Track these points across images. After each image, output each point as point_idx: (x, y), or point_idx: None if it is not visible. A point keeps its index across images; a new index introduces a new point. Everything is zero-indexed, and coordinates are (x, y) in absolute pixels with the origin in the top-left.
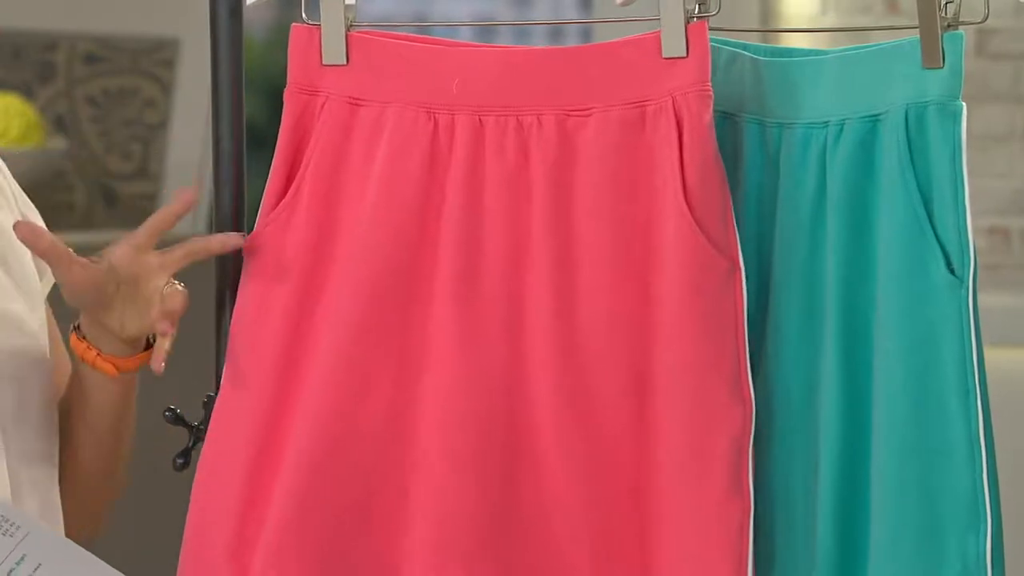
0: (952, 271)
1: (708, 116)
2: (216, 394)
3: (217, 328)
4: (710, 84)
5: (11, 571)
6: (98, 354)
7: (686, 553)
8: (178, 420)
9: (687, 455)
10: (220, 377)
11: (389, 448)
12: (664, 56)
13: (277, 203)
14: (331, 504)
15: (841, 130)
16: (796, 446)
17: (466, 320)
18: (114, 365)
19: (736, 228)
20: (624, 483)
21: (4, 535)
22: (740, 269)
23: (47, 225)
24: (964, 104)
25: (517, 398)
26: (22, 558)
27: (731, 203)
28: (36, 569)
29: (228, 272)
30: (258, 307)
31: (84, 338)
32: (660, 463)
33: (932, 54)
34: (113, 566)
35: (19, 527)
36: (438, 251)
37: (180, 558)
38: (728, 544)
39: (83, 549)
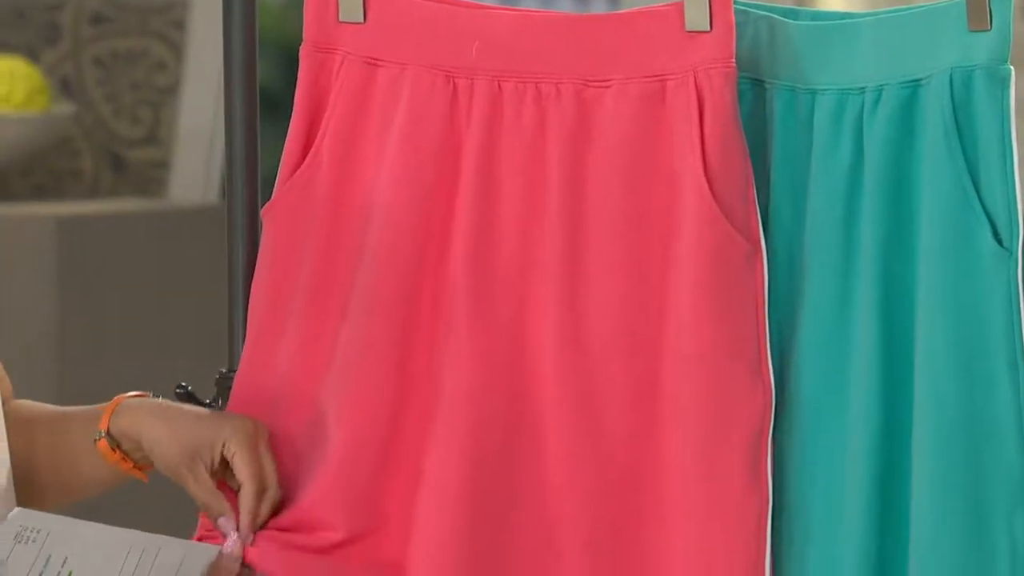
0: (1000, 241)
1: (731, 94)
2: (228, 371)
3: (230, 305)
4: (734, 61)
5: (40, 574)
6: (134, 465)
7: (701, 547)
8: (190, 398)
9: (703, 443)
10: (233, 354)
11: (403, 425)
12: (687, 29)
13: (296, 167)
14: (355, 473)
15: (879, 96)
16: (832, 431)
17: (478, 292)
18: (143, 469)
19: (757, 208)
20: (634, 470)
21: (26, 543)
22: (761, 251)
23: (54, 194)
24: (1012, 68)
25: (524, 376)
26: (48, 559)
27: (753, 182)
28: (64, 563)
29: (241, 246)
30: (279, 274)
31: (118, 448)
32: (674, 451)
33: (979, 15)
34: None
35: (39, 530)
36: (454, 219)
37: None
38: (745, 538)
39: (104, 525)
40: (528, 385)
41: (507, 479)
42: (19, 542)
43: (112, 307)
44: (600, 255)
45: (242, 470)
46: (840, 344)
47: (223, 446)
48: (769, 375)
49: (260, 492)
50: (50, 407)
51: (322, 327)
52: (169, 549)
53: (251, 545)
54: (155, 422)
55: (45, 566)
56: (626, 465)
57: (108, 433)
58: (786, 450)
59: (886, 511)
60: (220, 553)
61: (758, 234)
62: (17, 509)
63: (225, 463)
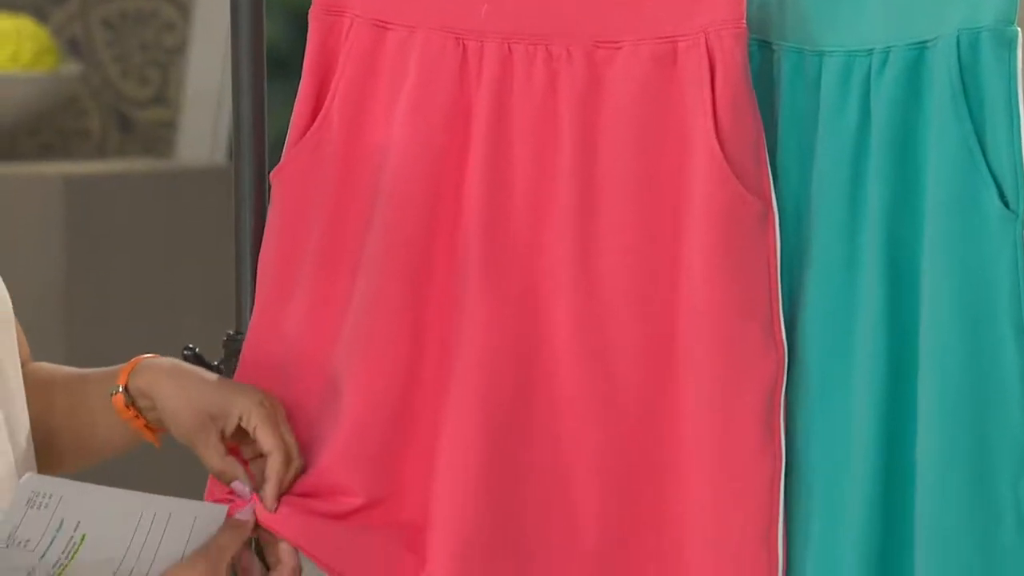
0: (1006, 203)
1: (742, 55)
2: (236, 333)
3: (237, 266)
4: (745, 21)
5: (53, 539)
6: (146, 424)
7: (714, 503)
8: (197, 359)
9: (716, 402)
10: (240, 316)
11: (417, 388)
12: None
13: (305, 130)
14: (368, 439)
15: (886, 58)
16: (837, 393)
17: (491, 254)
18: (155, 432)
19: (770, 168)
20: (647, 432)
21: (38, 509)
22: (773, 211)
23: (61, 154)
24: (1020, 30)
25: (537, 337)
26: (60, 524)
27: (764, 143)
28: (76, 528)
29: (248, 207)
30: (288, 238)
31: (132, 405)
32: (687, 412)
33: None
34: None
35: (50, 495)
36: (464, 182)
37: None
38: (758, 497)
39: (116, 488)
40: (542, 346)
41: (523, 438)
42: (31, 507)
43: (119, 267)
44: (612, 217)
45: (267, 441)
46: (846, 305)
47: (241, 418)
48: (782, 335)
49: (287, 461)
50: (68, 369)
51: (332, 291)
52: (181, 511)
53: (274, 512)
54: (171, 382)
55: (58, 531)
56: (640, 425)
57: (126, 389)
58: (793, 410)
59: (891, 474)
60: (232, 516)
61: (770, 195)
62: (29, 474)
63: (239, 433)
